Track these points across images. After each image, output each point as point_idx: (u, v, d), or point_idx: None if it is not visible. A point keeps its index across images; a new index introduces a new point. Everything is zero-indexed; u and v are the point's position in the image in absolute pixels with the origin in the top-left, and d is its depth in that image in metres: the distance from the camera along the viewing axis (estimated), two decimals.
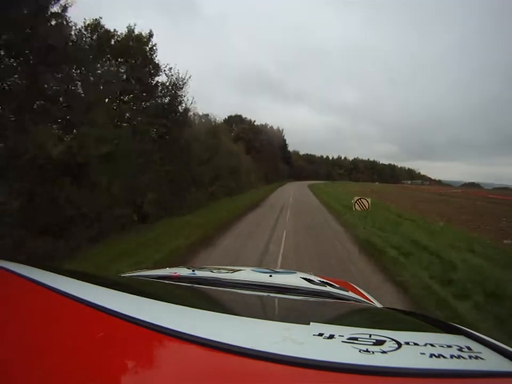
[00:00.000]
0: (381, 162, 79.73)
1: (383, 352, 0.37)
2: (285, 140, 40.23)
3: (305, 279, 1.14)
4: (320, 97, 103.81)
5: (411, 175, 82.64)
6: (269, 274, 1.13)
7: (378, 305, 1.08)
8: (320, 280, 1.15)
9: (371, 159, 79.20)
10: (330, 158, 68.41)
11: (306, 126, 73.75)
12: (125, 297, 0.57)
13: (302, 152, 59.21)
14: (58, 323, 0.43)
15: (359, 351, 0.37)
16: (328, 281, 1.16)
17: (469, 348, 0.40)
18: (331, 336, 0.41)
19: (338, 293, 0.99)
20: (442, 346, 0.40)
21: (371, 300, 1.14)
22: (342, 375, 0.33)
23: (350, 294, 1.06)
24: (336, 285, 1.14)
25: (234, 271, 1.17)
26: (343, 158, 73.31)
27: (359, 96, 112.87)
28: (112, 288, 0.61)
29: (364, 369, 0.33)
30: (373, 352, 0.37)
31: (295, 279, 1.13)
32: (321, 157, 64.56)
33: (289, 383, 0.32)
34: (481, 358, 0.38)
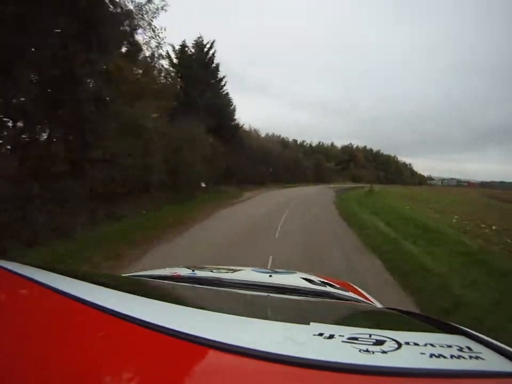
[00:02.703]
0: (381, 152, 66.94)
1: (383, 352, 0.41)
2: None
3: (305, 279, 1.25)
4: (291, 91, 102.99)
5: (411, 171, 75.47)
6: (269, 274, 1.25)
7: (378, 305, 1.17)
8: (320, 280, 1.26)
9: (361, 145, 63.72)
10: (307, 144, 48.27)
11: (276, 123, 77.22)
12: (125, 297, 0.62)
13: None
14: (58, 323, 0.47)
15: (359, 351, 0.40)
16: (328, 282, 1.28)
17: (469, 348, 0.44)
18: (331, 336, 0.45)
19: (338, 293, 1.09)
20: (443, 347, 0.44)
21: (371, 300, 1.24)
22: (342, 375, 0.36)
23: (350, 294, 1.16)
24: (336, 285, 1.24)
25: (235, 271, 1.29)
26: (327, 144, 54.21)
27: (329, 90, 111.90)
28: (112, 288, 0.67)
29: (364, 369, 0.36)
30: (373, 352, 0.40)
31: (295, 279, 1.25)
32: (295, 141, 44.12)
33: (289, 383, 0.36)
34: (482, 358, 0.41)
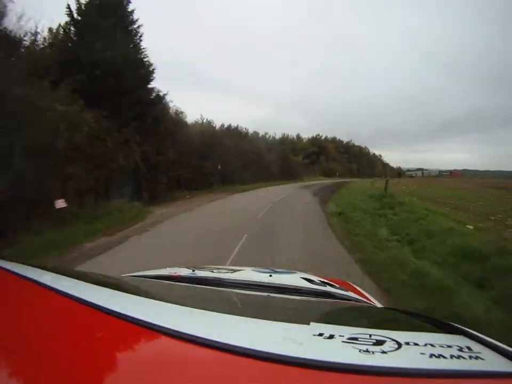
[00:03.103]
0: (352, 142, 66.41)
1: (383, 352, 0.43)
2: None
3: (305, 279, 1.32)
4: (250, 87, 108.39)
5: (382, 163, 75.48)
6: (269, 274, 1.31)
7: (378, 305, 1.27)
8: (320, 280, 1.32)
9: (330, 136, 61.03)
10: (271, 136, 45.21)
11: (235, 118, 72.10)
12: (125, 297, 0.66)
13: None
14: (58, 323, 0.50)
15: (359, 351, 0.42)
16: (328, 281, 1.34)
17: (469, 348, 0.46)
18: (331, 336, 0.47)
19: (338, 293, 1.15)
20: (442, 347, 0.46)
21: (371, 299, 1.32)
22: (342, 375, 0.38)
23: (350, 294, 1.22)
24: (336, 285, 1.31)
25: (235, 271, 1.36)
26: (292, 136, 52.64)
27: (290, 86, 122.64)
28: (112, 288, 0.71)
29: (364, 369, 0.38)
30: (373, 352, 0.42)
31: (295, 279, 1.31)
32: (256, 133, 39.01)
33: (289, 383, 0.37)
34: (481, 358, 0.43)
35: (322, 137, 57.69)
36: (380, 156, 78.99)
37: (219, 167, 19.47)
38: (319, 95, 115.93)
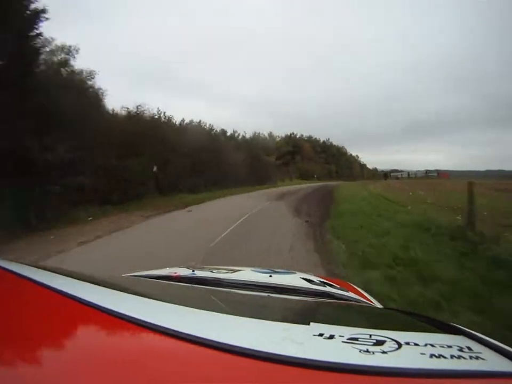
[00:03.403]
0: (330, 141, 63.25)
1: (383, 352, 0.44)
2: None
3: (305, 279, 1.38)
4: (219, 89, 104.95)
5: (360, 164, 77.20)
6: (269, 275, 1.36)
7: (378, 305, 1.30)
8: (320, 281, 1.39)
9: (305, 134, 57.96)
10: (239, 135, 38.89)
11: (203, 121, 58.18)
12: (124, 297, 0.68)
13: None
14: (58, 323, 0.52)
15: (359, 351, 0.44)
16: (328, 282, 1.42)
17: (469, 348, 0.48)
18: (331, 337, 0.49)
19: (338, 293, 1.19)
20: (443, 347, 0.47)
21: (371, 300, 1.35)
22: (342, 375, 0.39)
23: (350, 294, 1.26)
24: (336, 285, 1.37)
25: (235, 271, 1.42)
26: (264, 134, 47.46)
27: (258, 88, 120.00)
28: (112, 288, 0.73)
29: (364, 369, 0.39)
30: (373, 353, 0.44)
31: (295, 279, 1.37)
32: (224, 131, 32.88)
33: (289, 383, 0.38)
34: (482, 358, 0.45)
35: (297, 136, 55.38)
36: (357, 156, 79.21)
37: (154, 169, 13.71)
38: (292, 96, 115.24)
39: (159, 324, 0.47)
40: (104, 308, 0.52)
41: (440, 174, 39.54)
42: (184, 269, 1.39)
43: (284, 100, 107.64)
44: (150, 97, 61.38)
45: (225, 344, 0.43)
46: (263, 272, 1.45)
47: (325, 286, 1.28)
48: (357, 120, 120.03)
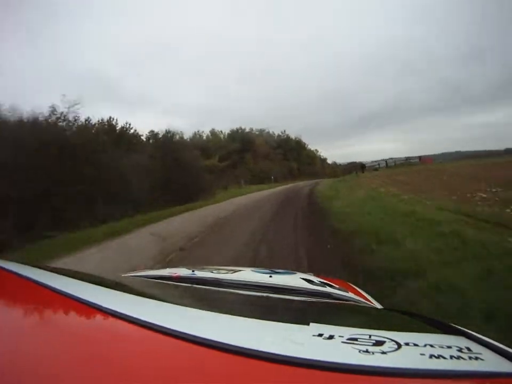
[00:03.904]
0: (286, 133, 59.53)
1: (383, 352, 0.48)
2: None
3: (305, 279, 1.49)
4: (166, 99, 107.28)
5: (320, 159, 76.18)
6: (269, 275, 1.48)
7: (378, 306, 1.40)
8: (319, 281, 1.49)
9: (256, 127, 54.73)
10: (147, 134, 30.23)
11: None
12: (124, 297, 0.74)
13: None
14: (58, 323, 0.57)
15: (359, 352, 0.47)
16: (328, 282, 1.52)
17: (468, 349, 0.51)
18: (331, 337, 0.53)
19: (338, 294, 1.28)
20: (442, 347, 0.51)
21: (371, 300, 1.47)
22: (342, 375, 0.42)
23: (350, 294, 1.36)
24: (335, 286, 1.47)
25: (235, 271, 1.54)
26: (204, 132, 44.72)
27: (207, 95, 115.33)
28: (112, 288, 0.81)
29: (363, 370, 0.43)
30: (373, 353, 0.47)
31: (294, 280, 1.48)
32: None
33: (289, 383, 0.42)
34: (481, 359, 0.48)
35: (247, 130, 51.55)
36: (317, 150, 77.65)
37: None
38: (245, 96, 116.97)
39: (159, 323, 0.51)
40: (104, 307, 0.57)
41: (423, 160, 38.02)
42: (184, 269, 1.53)
43: (237, 101, 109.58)
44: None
45: (225, 344, 0.46)
46: (263, 273, 1.58)
47: (325, 287, 1.39)
48: (310, 114, 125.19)
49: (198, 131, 43.92)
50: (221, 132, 46.53)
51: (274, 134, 57.69)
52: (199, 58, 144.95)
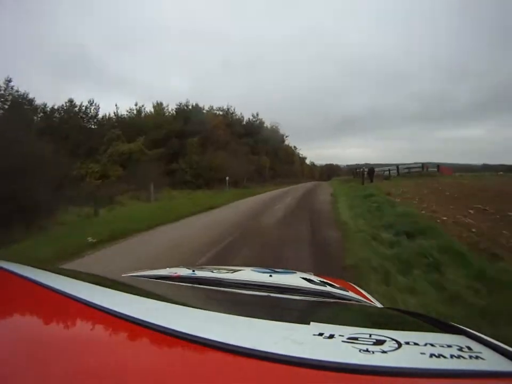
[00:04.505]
0: (260, 117, 47.62)
1: (383, 352, 0.51)
2: None
3: (305, 279, 1.60)
4: (149, 84, 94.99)
5: (300, 158, 72.69)
6: (269, 274, 1.59)
7: (378, 305, 1.51)
8: (320, 280, 1.61)
9: (217, 105, 42.31)
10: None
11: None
12: (124, 297, 0.80)
13: None
14: (58, 323, 0.62)
15: (359, 351, 0.51)
16: (328, 281, 1.64)
17: (469, 348, 0.55)
18: (331, 336, 0.57)
19: (338, 293, 1.39)
20: (443, 346, 0.55)
21: (371, 299, 1.58)
22: (342, 375, 0.45)
23: (350, 294, 1.47)
24: (336, 285, 1.60)
25: (235, 271, 1.65)
26: (132, 109, 33.66)
27: (190, 83, 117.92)
28: (112, 288, 0.86)
29: (364, 369, 0.46)
30: (373, 352, 0.51)
31: (295, 279, 1.59)
32: None
33: (289, 383, 0.44)
34: (482, 358, 0.52)
35: (200, 105, 37.16)
36: (295, 147, 69.58)
37: None
38: (225, 86, 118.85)
39: (159, 323, 0.55)
40: (104, 307, 0.61)
41: (442, 169, 31.46)
42: (184, 269, 1.64)
43: (218, 90, 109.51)
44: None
45: (226, 344, 0.49)
46: (263, 272, 1.68)
47: (325, 286, 1.47)
48: (288, 112, 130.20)
49: (137, 104, 32.69)
50: (168, 107, 34.77)
51: (243, 118, 44.83)
52: (182, 44, 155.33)
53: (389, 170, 30.34)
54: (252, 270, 1.74)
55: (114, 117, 30.93)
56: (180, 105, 34.97)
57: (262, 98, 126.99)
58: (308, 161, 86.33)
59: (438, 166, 32.58)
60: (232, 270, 1.65)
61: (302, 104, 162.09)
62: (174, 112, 34.67)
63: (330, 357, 0.48)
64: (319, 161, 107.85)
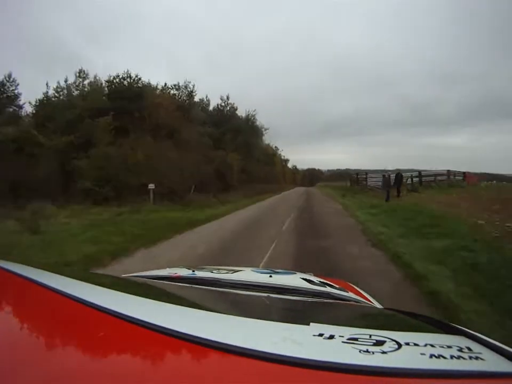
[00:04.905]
0: (231, 103, 36.94)
1: (383, 352, 0.52)
2: None
3: (305, 279, 1.61)
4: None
5: (281, 159, 64.92)
6: (269, 275, 1.61)
7: (378, 305, 1.50)
8: (319, 281, 1.62)
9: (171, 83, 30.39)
10: None
11: None
12: (124, 297, 0.79)
13: None
14: (58, 323, 0.62)
15: (359, 352, 0.51)
16: (328, 282, 1.65)
17: (469, 349, 0.56)
18: (331, 337, 0.57)
19: (338, 294, 1.40)
20: (442, 347, 0.55)
21: (371, 300, 1.58)
22: (342, 375, 0.46)
23: (350, 294, 1.48)
24: (336, 286, 1.60)
25: (235, 271, 1.67)
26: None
27: (169, 76, 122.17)
28: (112, 289, 0.86)
29: (364, 370, 0.46)
30: (373, 353, 0.51)
31: (295, 280, 1.60)
32: None
33: (289, 383, 0.45)
34: (481, 359, 0.52)
35: (135, 77, 23.27)
36: (276, 148, 60.43)
37: None
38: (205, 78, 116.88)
39: (159, 324, 0.55)
40: (104, 308, 0.61)
41: (467, 177, 25.82)
42: (184, 269, 1.66)
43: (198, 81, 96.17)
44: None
45: (226, 344, 0.50)
46: (263, 273, 1.73)
47: (325, 286, 1.49)
48: (269, 112, 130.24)
49: (67, 81, 21.72)
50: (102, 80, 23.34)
51: (208, 101, 34.64)
52: (160, 37, 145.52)
53: (411, 177, 22.65)
54: (252, 271, 1.77)
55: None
56: (113, 78, 22.50)
57: (240, 98, 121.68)
58: (289, 165, 78.32)
59: (464, 173, 25.71)
60: (232, 270, 1.66)
61: (283, 106, 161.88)
62: (106, 89, 22.76)
63: (330, 358, 0.48)
64: (300, 166, 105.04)
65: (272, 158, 50.81)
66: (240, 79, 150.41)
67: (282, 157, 65.94)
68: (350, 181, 32.61)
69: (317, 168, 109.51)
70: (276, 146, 57.72)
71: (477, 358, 0.52)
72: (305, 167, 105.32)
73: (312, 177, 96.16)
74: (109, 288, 0.84)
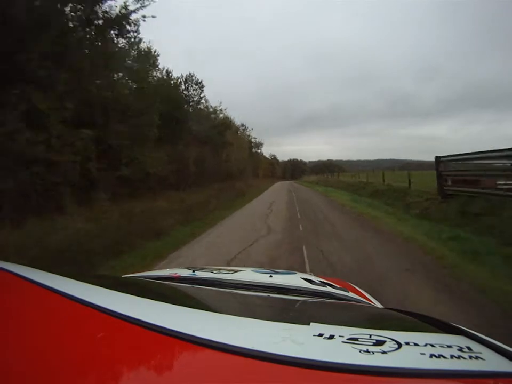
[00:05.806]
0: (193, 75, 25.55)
1: (383, 352, 0.52)
2: None
3: (305, 279, 1.63)
4: None
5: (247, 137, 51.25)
6: (269, 275, 1.62)
7: (378, 305, 1.51)
8: (320, 281, 1.63)
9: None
10: None
11: None
12: (125, 298, 0.79)
13: None
14: (59, 324, 0.61)
15: (359, 351, 0.52)
16: (328, 282, 1.66)
17: (469, 348, 0.56)
18: (331, 337, 0.58)
19: (338, 293, 1.40)
20: (443, 347, 0.56)
21: (371, 300, 1.59)
22: (342, 375, 0.46)
23: (350, 294, 1.48)
24: (336, 285, 1.61)
25: (235, 271, 1.67)
26: None
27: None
28: (112, 289, 0.85)
29: (364, 369, 0.47)
30: (373, 353, 0.52)
31: (295, 280, 1.61)
32: None
33: (289, 383, 0.45)
34: (482, 359, 0.53)
35: None
36: (243, 125, 49.59)
37: None
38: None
39: (159, 324, 0.56)
40: (104, 308, 0.61)
41: None
42: (184, 269, 1.65)
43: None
44: None
45: (226, 344, 0.50)
46: (263, 273, 1.72)
47: (325, 286, 1.49)
48: (247, 103, 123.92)
49: None
50: None
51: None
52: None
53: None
54: (252, 271, 1.77)
55: None
56: None
57: (217, 87, 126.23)
58: (267, 155, 68.47)
59: None
60: (232, 270, 1.67)
61: (263, 97, 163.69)
62: None
63: (331, 358, 0.48)
64: (281, 158, 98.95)
65: (223, 132, 29.48)
66: (220, 68, 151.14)
67: (252, 140, 52.81)
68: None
69: (299, 159, 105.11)
70: (249, 134, 45.08)
71: (477, 357, 0.52)
72: (286, 158, 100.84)
73: (294, 168, 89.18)
74: (109, 288, 0.83)
